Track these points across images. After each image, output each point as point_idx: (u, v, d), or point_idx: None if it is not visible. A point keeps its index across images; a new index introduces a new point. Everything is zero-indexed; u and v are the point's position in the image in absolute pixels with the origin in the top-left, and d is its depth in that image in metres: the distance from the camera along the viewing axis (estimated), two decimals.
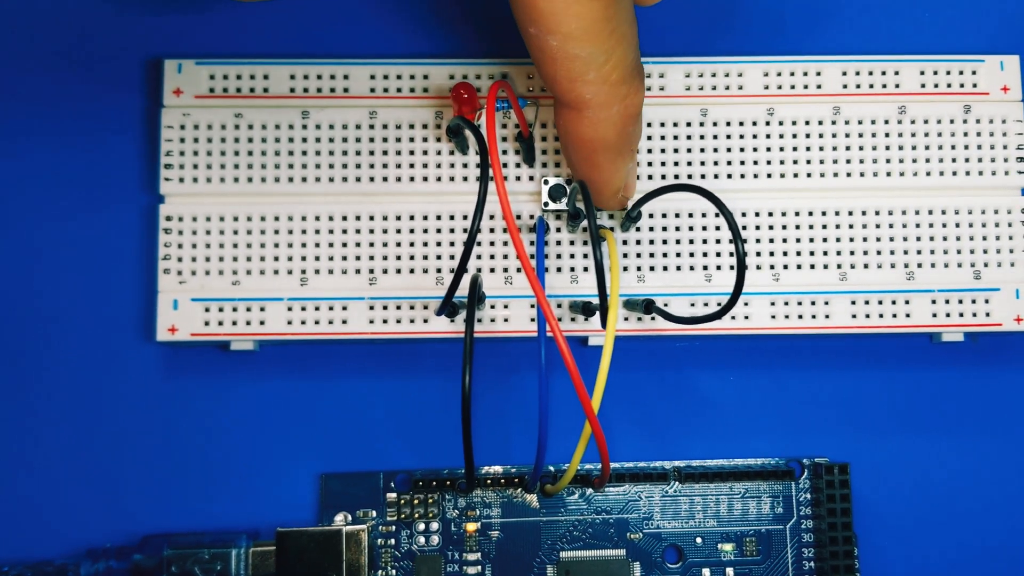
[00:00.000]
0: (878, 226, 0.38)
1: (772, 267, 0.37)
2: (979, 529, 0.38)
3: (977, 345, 0.39)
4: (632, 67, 0.31)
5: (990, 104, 0.38)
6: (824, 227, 0.37)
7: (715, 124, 0.38)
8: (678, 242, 0.37)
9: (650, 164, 0.38)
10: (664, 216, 0.37)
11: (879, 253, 0.37)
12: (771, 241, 0.37)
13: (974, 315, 0.37)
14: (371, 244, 0.37)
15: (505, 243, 0.37)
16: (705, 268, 0.37)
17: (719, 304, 0.37)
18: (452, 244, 0.37)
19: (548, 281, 0.37)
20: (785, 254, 0.37)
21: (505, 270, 0.37)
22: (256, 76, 0.37)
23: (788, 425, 0.38)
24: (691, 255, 0.37)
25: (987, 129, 0.38)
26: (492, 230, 0.37)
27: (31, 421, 0.37)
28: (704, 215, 0.37)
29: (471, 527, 0.37)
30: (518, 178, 0.37)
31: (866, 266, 0.37)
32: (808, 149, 0.38)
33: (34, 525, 0.37)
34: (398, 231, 0.37)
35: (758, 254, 0.37)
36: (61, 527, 0.37)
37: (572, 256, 0.37)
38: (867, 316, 0.37)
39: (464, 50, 0.39)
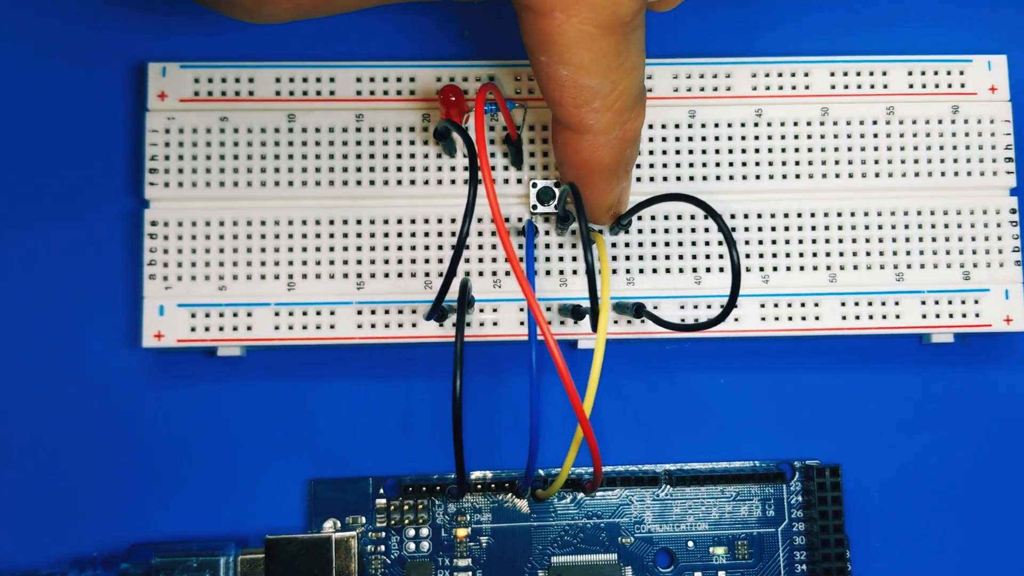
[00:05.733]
0: (867, 227, 0.37)
1: (762, 269, 0.37)
2: (971, 530, 0.38)
3: (967, 346, 0.39)
4: (637, 95, 0.32)
5: (978, 104, 0.38)
6: (813, 228, 0.37)
7: (703, 125, 0.38)
8: (667, 244, 0.37)
9: (638, 166, 0.37)
10: (653, 219, 0.37)
11: (868, 254, 0.37)
12: (760, 243, 0.37)
13: (964, 316, 0.37)
14: (359, 248, 0.36)
15: (494, 247, 0.37)
16: (695, 271, 0.37)
17: (709, 306, 0.37)
18: (440, 248, 0.37)
19: (537, 284, 0.37)
20: (775, 255, 0.37)
21: (494, 273, 0.37)
22: (241, 79, 0.37)
23: (779, 427, 0.38)
24: (680, 257, 0.37)
25: (975, 129, 0.38)
26: (480, 233, 0.37)
27: (15, 428, 0.37)
28: (693, 217, 0.37)
29: (461, 532, 0.37)
30: (506, 181, 0.37)
31: (856, 267, 0.37)
32: (797, 150, 0.38)
33: (20, 534, 0.36)
34: (386, 235, 0.37)
35: (747, 256, 0.37)
36: (48, 536, 0.36)
37: (561, 259, 0.37)
38: (857, 317, 0.37)
39: (450, 52, 0.39)
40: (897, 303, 0.37)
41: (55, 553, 0.36)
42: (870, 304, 0.37)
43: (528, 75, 0.37)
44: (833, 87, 0.38)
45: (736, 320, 0.37)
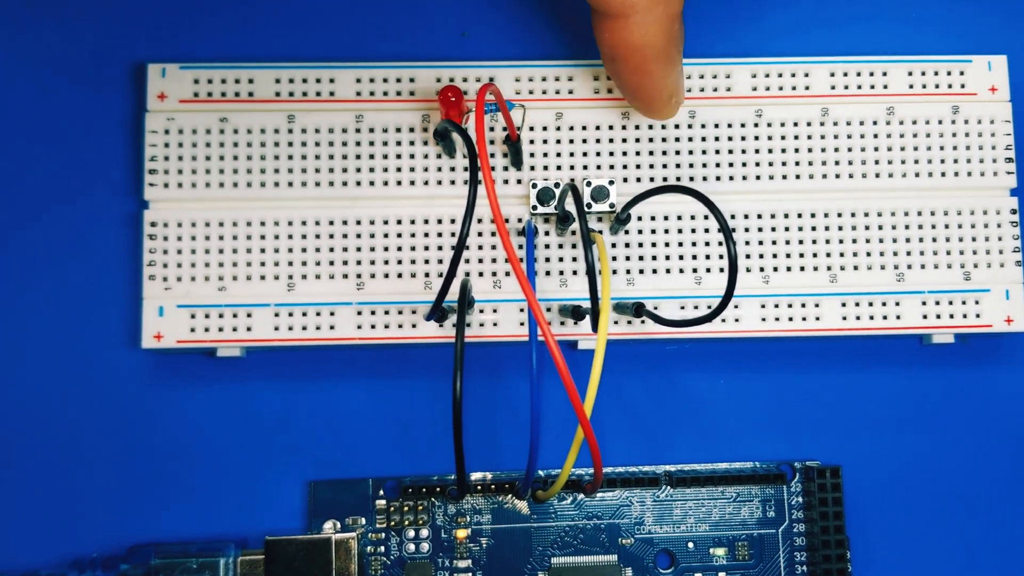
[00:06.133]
0: (868, 227, 0.37)
1: (762, 269, 0.37)
2: (971, 530, 0.38)
3: (967, 346, 0.39)
4: None
5: (978, 104, 0.38)
6: (814, 229, 0.37)
7: (703, 126, 0.38)
8: (667, 244, 0.37)
9: (638, 167, 0.37)
10: (653, 219, 0.37)
11: (869, 255, 0.37)
12: (760, 243, 0.37)
13: (964, 316, 0.37)
14: (358, 249, 0.36)
15: (494, 247, 0.37)
16: (695, 271, 0.37)
17: (709, 306, 0.37)
18: (440, 248, 0.37)
19: (537, 285, 0.37)
20: (775, 256, 0.37)
21: (494, 274, 0.37)
22: (241, 80, 0.37)
23: (779, 428, 0.38)
24: (680, 258, 0.37)
25: (976, 129, 0.38)
26: (480, 234, 0.37)
27: (15, 428, 0.37)
28: (693, 217, 0.37)
29: (461, 534, 0.37)
30: (506, 181, 0.37)
31: (856, 268, 0.37)
32: (797, 151, 0.38)
33: (20, 534, 0.36)
34: (385, 235, 0.37)
35: (748, 256, 0.37)
36: (47, 537, 0.36)
37: (561, 260, 0.37)
38: (857, 318, 0.37)
39: (450, 52, 0.39)
40: (897, 303, 0.37)
41: (55, 554, 0.36)
42: (870, 304, 0.37)
43: (528, 76, 0.37)
44: (833, 87, 0.38)
45: (737, 321, 0.37)
